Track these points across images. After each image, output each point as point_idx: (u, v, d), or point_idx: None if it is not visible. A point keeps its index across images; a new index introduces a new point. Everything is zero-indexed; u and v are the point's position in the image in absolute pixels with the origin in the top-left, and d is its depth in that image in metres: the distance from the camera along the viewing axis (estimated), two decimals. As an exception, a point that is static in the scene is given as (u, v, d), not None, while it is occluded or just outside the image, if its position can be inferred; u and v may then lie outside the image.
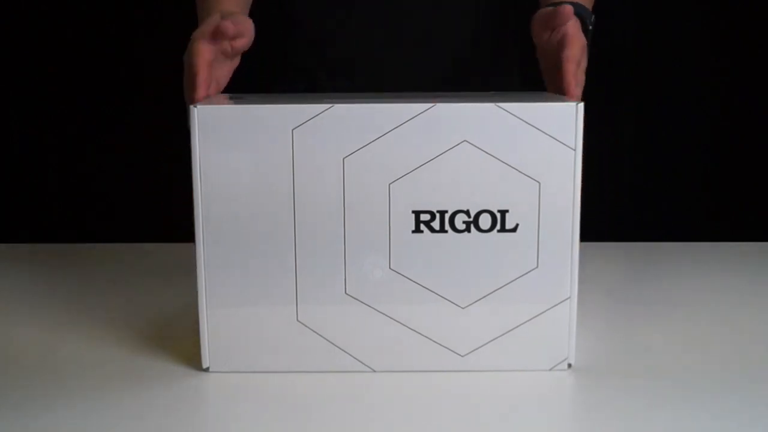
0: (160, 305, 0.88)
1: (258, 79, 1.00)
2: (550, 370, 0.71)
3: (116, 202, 1.75)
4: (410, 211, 0.67)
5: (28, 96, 1.71)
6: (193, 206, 0.69)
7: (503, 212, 0.67)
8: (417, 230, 0.67)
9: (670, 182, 1.73)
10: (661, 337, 0.80)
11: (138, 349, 0.77)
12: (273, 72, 1.08)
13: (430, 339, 0.69)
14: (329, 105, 0.66)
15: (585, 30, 0.87)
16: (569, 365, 0.71)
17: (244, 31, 0.82)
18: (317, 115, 0.66)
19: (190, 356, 0.75)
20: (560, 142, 0.66)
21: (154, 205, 1.73)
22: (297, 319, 0.70)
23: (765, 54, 1.66)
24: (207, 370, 0.72)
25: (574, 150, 0.67)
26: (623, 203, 1.74)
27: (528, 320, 0.69)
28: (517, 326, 0.69)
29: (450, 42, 1.07)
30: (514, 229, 0.67)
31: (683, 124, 1.70)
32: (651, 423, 0.63)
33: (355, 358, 0.70)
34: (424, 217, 0.67)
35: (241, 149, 0.67)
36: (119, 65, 1.69)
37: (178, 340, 0.79)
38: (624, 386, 0.69)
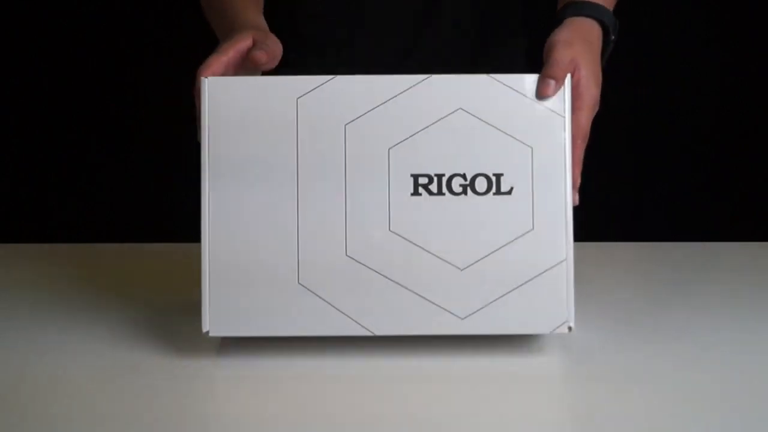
0: (160, 305, 0.88)
1: None
2: (551, 332, 0.71)
3: (116, 202, 1.75)
4: (409, 175, 0.70)
5: (28, 96, 1.71)
6: (200, 175, 0.71)
7: (498, 176, 0.70)
8: (416, 193, 0.70)
9: (670, 182, 1.73)
10: (661, 337, 0.80)
11: (137, 349, 0.77)
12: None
13: (430, 301, 0.70)
14: (332, 77, 0.71)
15: (606, 42, 0.82)
16: (570, 328, 0.71)
17: (274, 57, 0.80)
18: (320, 86, 0.71)
19: (190, 355, 0.75)
20: (550, 109, 0.71)
21: (154, 205, 1.73)
22: (298, 282, 0.70)
23: (766, 53, 1.66)
24: (207, 334, 0.72)
25: (564, 117, 0.71)
26: (623, 203, 1.74)
27: (526, 282, 0.70)
28: (516, 288, 0.70)
29: (456, 47, 1.07)
30: (509, 192, 0.70)
31: (683, 123, 1.70)
32: (651, 423, 0.63)
33: (355, 321, 0.70)
34: (422, 180, 0.70)
35: (248, 117, 0.71)
36: (119, 65, 1.69)
37: (179, 338, 0.79)
38: (623, 391, 0.69)
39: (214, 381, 0.73)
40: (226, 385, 0.73)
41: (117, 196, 1.75)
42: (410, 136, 0.70)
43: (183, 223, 1.08)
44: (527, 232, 0.70)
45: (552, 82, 0.71)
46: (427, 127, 0.70)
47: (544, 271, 0.70)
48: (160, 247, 1.03)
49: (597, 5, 0.81)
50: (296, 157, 0.70)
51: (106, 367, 0.74)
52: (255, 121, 0.70)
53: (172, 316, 0.85)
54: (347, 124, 0.70)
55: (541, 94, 0.71)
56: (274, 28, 1.08)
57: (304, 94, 0.71)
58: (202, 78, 0.72)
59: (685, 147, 1.72)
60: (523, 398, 0.68)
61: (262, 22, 0.89)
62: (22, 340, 0.80)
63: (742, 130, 1.71)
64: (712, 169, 1.74)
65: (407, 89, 0.71)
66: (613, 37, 0.81)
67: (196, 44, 1.26)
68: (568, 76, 0.72)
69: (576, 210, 0.81)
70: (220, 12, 0.95)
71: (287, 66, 1.02)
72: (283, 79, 0.72)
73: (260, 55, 0.77)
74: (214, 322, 0.71)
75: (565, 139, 0.71)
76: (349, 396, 0.68)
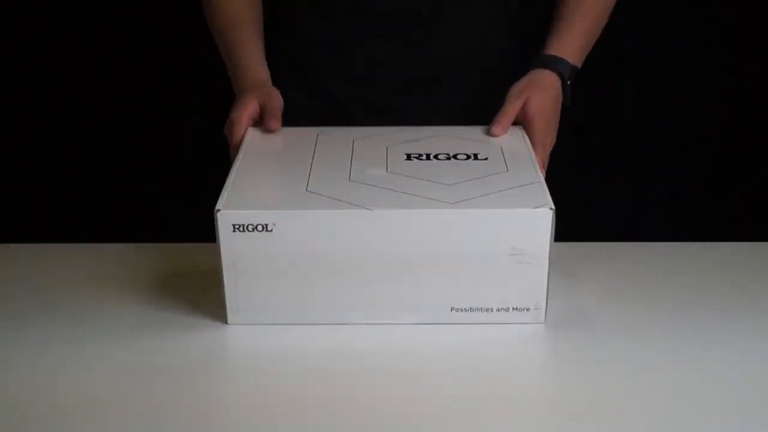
0: (161, 305, 0.89)
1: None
2: (534, 209, 0.80)
3: (117, 202, 1.75)
4: (403, 153, 0.93)
5: (28, 96, 1.71)
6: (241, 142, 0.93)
7: (475, 154, 0.93)
8: (408, 159, 0.91)
9: (670, 182, 1.74)
10: (661, 337, 0.81)
11: (138, 350, 0.77)
12: (289, 88, 1.07)
13: (424, 197, 0.82)
14: (346, 127, 1.00)
15: (563, 85, 1.03)
16: (551, 209, 0.79)
17: (280, 115, 0.99)
18: (336, 130, 0.99)
19: (192, 355, 0.75)
20: (510, 131, 0.98)
21: (154, 205, 1.73)
22: (306, 190, 0.83)
23: (766, 53, 1.66)
24: (217, 211, 0.78)
25: (521, 134, 0.98)
26: (623, 203, 1.74)
27: (507, 189, 0.84)
28: (499, 191, 0.83)
29: (456, 47, 1.07)
30: (485, 159, 0.91)
31: (683, 123, 1.70)
32: (651, 423, 0.63)
33: (355, 204, 0.80)
34: (414, 155, 0.92)
35: (278, 142, 0.95)
36: (119, 65, 1.69)
37: (179, 338, 0.79)
38: (622, 390, 0.69)
39: (217, 380, 0.73)
40: (227, 385, 0.73)
41: (117, 196, 1.75)
42: (403, 143, 0.95)
43: (183, 223, 1.08)
44: (503, 171, 0.88)
45: (500, 127, 0.97)
46: (416, 140, 0.96)
47: (522, 185, 0.85)
48: (160, 247, 1.03)
49: (557, 58, 1.03)
50: (313, 152, 0.92)
51: (106, 367, 0.74)
52: (283, 143, 0.95)
53: (173, 316, 0.86)
54: (355, 139, 0.96)
55: (491, 133, 0.98)
56: (274, 24, 1.09)
57: (322, 132, 0.98)
58: (249, 128, 0.97)
59: (685, 147, 1.72)
60: (517, 396, 0.69)
61: (263, 71, 1.03)
62: (22, 340, 0.80)
63: (742, 130, 1.71)
64: (712, 169, 1.74)
65: (400, 130, 1.00)
66: (568, 82, 1.04)
67: (196, 44, 1.27)
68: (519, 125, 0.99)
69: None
70: (224, 38, 1.04)
71: (285, 55, 1.05)
72: (306, 128, 0.99)
73: (274, 125, 0.97)
74: (227, 202, 0.80)
75: (525, 140, 0.96)
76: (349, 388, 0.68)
